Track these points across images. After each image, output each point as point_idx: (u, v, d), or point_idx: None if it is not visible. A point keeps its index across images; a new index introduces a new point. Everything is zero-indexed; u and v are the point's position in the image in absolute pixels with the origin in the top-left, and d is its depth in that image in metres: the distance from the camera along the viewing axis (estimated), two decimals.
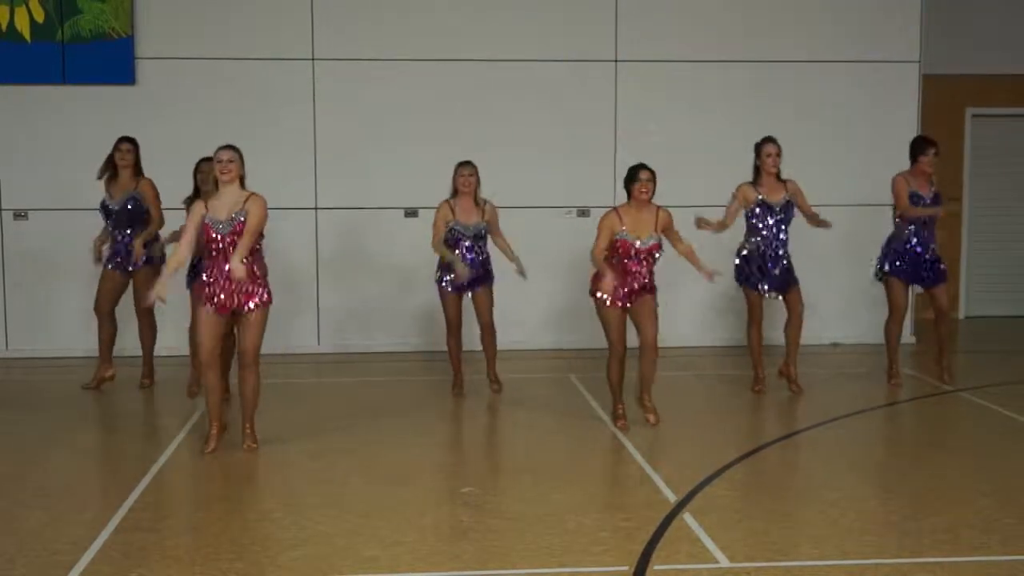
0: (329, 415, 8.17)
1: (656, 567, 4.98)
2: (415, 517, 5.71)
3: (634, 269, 7.33)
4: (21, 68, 10.23)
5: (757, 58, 10.88)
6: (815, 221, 8.54)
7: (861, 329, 11.09)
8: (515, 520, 5.65)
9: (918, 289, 9.42)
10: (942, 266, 8.78)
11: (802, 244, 8.89)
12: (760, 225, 8.41)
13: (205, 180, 7.80)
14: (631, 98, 10.79)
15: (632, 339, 7.49)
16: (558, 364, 10.16)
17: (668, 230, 7.44)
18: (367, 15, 10.57)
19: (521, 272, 8.40)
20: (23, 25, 10.20)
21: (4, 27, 10.18)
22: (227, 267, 6.72)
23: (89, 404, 8.59)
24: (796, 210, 8.45)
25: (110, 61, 10.29)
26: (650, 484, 6.30)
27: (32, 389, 9.33)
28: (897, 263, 8.71)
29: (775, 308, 9.66)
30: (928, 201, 8.63)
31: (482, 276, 8.50)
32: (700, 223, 8.27)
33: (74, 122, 10.34)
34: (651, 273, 7.43)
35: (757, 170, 8.44)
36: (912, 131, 10.20)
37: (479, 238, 8.45)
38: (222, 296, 6.75)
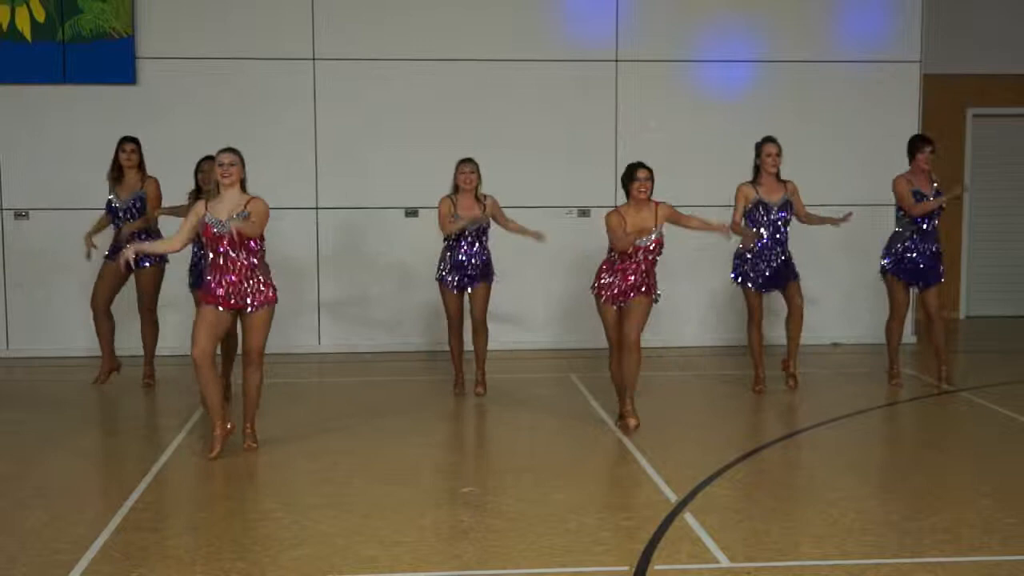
0: (330, 415, 8.17)
1: (657, 567, 4.98)
2: (415, 517, 5.71)
3: (632, 269, 7.30)
4: (22, 68, 10.23)
5: (758, 58, 10.89)
6: (815, 220, 8.54)
7: (861, 329, 11.10)
8: (516, 520, 5.66)
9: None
10: (941, 267, 8.77)
11: (803, 244, 8.89)
12: (758, 225, 8.42)
13: (207, 179, 7.81)
14: (631, 98, 10.79)
15: None
16: (559, 364, 10.16)
17: (674, 219, 7.41)
18: (368, 15, 10.57)
19: (540, 237, 8.43)
20: (24, 25, 10.21)
21: (5, 27, 10.19)
22: (231, 267, 6.72)
23: (90, 404, 8.60)
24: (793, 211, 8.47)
25: (111, 61, 10.29)
26: (651, 484, 6.31)
27: (33, 389, 9.33)
28: (898, 263, 8.71)
29: (775, 308, 9.67)
30: (931, 198, 8.62)
31: (483, 273, 8.49)
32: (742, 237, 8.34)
33: (75, 122, 10.34)
34: (650, 273, 7.39)
35: (757, 169, 8.45)
36: (913, 131, 10.19)
37: (481, 234, 8.45)
38: (224, 292, 6.74)
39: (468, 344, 8.78)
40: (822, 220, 8.62)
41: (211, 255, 6.79)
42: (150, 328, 9.01)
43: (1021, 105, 12.71)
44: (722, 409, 8.46)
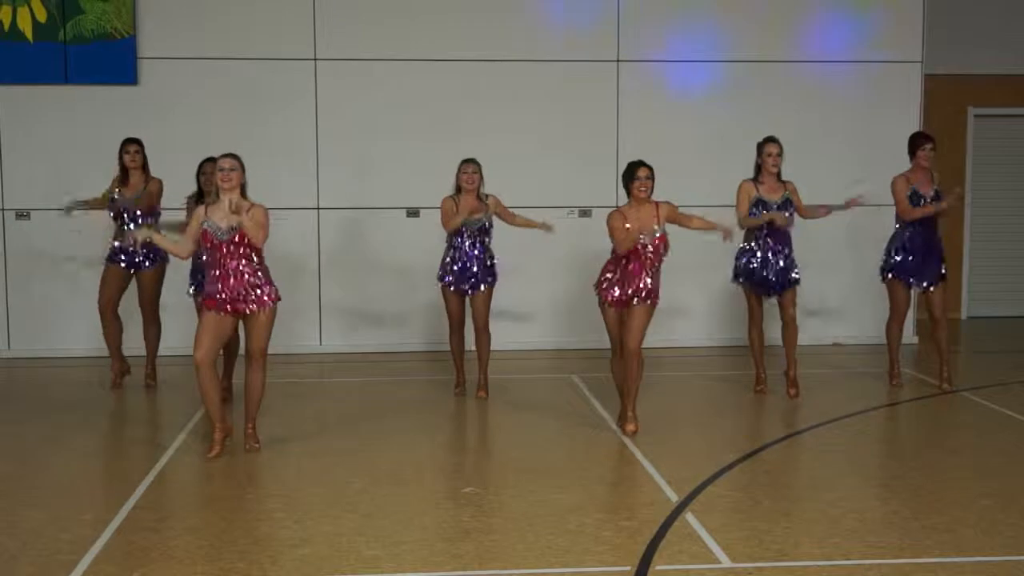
0: (331, 415, 8.18)
1: (658, 567, 4.99)
2: (417, 517, 5.72)
3: (637, 270, 7.29)
4: (23, 68, 10.24)
5: (759, 58, 10.88)
6: (819, 212, 8.53)
7: (862, 329, 11.10)
8: (517, 520, 5.66)
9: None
10: (943, 269, 8.76)
11: (803, 244, 8.89)
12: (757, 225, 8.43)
13: (208, 181, 7.81)
14: (633, 98, 10.79)
15: None
16: (560, 364, 10.17)
17: (675, 219, 7.39)
18: (369, 15, 10.57)
19: (548, 227, 8.48)
20: (25, 25, 10.21)
21: (6, 27, 10.20)
22: (230, 272, 6.73)
23: (91, 404, 8.60)
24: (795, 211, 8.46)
25: (112, 61, 10.30)
26: (652, 484, 6.31)
27: (34, 389, 9.34)
28: (898, 264, 8.71)
29: (776, 308, 9.65)
30: (929, 199, 8.64)
31: (484, 276, 8.49)
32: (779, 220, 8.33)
33: (76, 122, 10.35)
34: (655, 277, 7.37)
35: (758, 168, 8.46)
36: (914, 131, 10.17)
37: (482, 233, 8.45)
38: (224, 296, 6.75)
39: (469, 344, 8.79)
40: (825, 210, 8.57)
41: (211, 260, 6.79)
42: (152, 328, 9.02)
43: (1022, 105, 12.70)
44: (723, 409, 8.46)
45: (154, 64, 10.43)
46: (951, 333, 11.72)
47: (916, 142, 8.72)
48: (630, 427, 7.42)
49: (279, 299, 6.93)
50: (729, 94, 10.86)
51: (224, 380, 7.95)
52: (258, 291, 6.80)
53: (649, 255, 7.26)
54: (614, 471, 6.79)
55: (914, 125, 10.72)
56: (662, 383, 9.08)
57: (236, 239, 6.71)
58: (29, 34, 10.22)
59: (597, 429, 7.62)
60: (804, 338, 10.66)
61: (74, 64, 10.28)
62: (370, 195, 10.67)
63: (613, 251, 7.42)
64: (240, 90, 10.50)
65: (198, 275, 8.03)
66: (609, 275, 7.39)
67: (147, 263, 8.80)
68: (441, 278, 8.53)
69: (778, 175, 8.44)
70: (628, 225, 7.24)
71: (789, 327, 8.60)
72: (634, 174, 7.29)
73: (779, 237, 8.44)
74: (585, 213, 10.66)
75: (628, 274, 7.29)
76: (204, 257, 6.96)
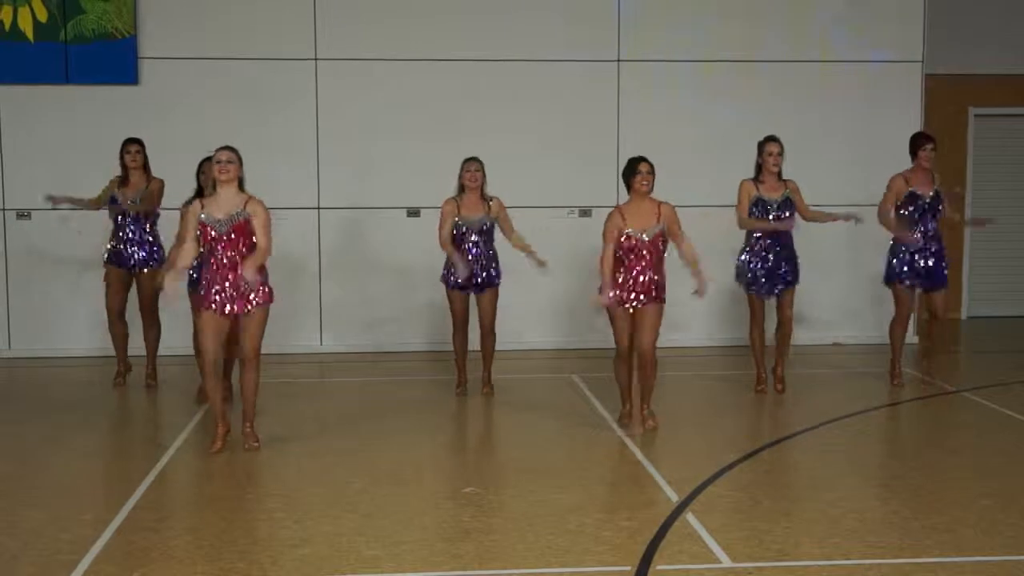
0: (331, 415, 8.18)
1: (658, 567, 4.99)
2: (417, 517, 5.72)
3: (640, 266, 7.29)
4: (24, 68, 10.24)
5: (759, 58, 10.88)
6: (820, 217, 8.54)
7: (862, 329, 11.11)
8: (517, 520, 5.66)
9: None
10: (944, 271, 8.76)
11: (803, 244, 8.87)
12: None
13: (208, 181, 7.81)
14: (633, 98, 10.79)
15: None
16: (560, 364, 10.17)
17: (672, 226, 7.38)
18: (369, 15, 10.57)
19: (539, 263, 8.35)
20: (26, 25, 10.22)
21: (7, 27, 10.20)
22: (230, 271, 6.74)
23: (92, 404, 8.61)
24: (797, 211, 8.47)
25: (113, 61, 10.30)
26: (652, 484, 6.31)
27: (35, 389, 9.35)
28: (901, 268, 8.70)
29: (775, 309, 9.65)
30: (927, 200, 8.64)
31: (489, 276, 8.48)
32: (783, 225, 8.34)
33: (77, 122, 10.36)
34: (658, 271, 7.37)
35: (759, 168, 8.46)
36: (915, 131, 10.17)
37: (485, 233, 8.45)
38: (220, 297, 6.75)
39: (471, 344, 8.77)
40: (826, 217, 8.60)
41: (208, 255, 6.78)
42: (152, 329, 9.03)
43: (1023, 105, 12.70)
44: (723, 409, 8.46)
45: (155, 64, 10.43)
46: (951, 333, 11.79)
47: (917, 142, 8.73)
48: (649, 423, 7.48)
49: (272, 300, 6.92)
50: (729, 94, 10.86)
51: (224, 379, 7.95)
52: (258, 288, 6.79)
53: (647, 250, 7.26)
54: (614, 471, 6.79)
55: (914, 125, 10.71)
56: (662, 383, 9.04)
57: (234, 231, 6.71)
58: (30, 34, 10.23)
59: (597, 429, 7.63)
60: (804, 338, 10.73)
61: (75, 64, 10.29)
62: (370, 195, 10.67)
63: (615, 251, 7.41)
64: (241, 90, 10.50)
65: (196, 272, 8.00)
66: (614, 276, 7.36)
67: (146, 264, 8.81)
68: (445, 278, 8.53)
69: (779, 174, 8.44)
70: (628, 226, 7.24)
71: (785, 327, 8.63)
72: (635, 169, 7.30)
73: (780, 238, 8.44)
74: (585, 213, 10.66)
75: (632, 268, 7.29)
76: (201, 251, 6.94)
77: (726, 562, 5.05)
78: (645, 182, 7.27)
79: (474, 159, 8.45)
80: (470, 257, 8.39)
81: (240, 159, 6.82)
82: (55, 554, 5.18)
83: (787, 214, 8.41)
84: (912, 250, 8.62)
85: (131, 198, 8.73)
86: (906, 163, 8.83)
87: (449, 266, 8.48)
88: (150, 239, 8.85)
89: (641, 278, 7.28)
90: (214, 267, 6.77)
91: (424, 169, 10.36)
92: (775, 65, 10.91)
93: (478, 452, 7.62)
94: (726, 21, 10.86)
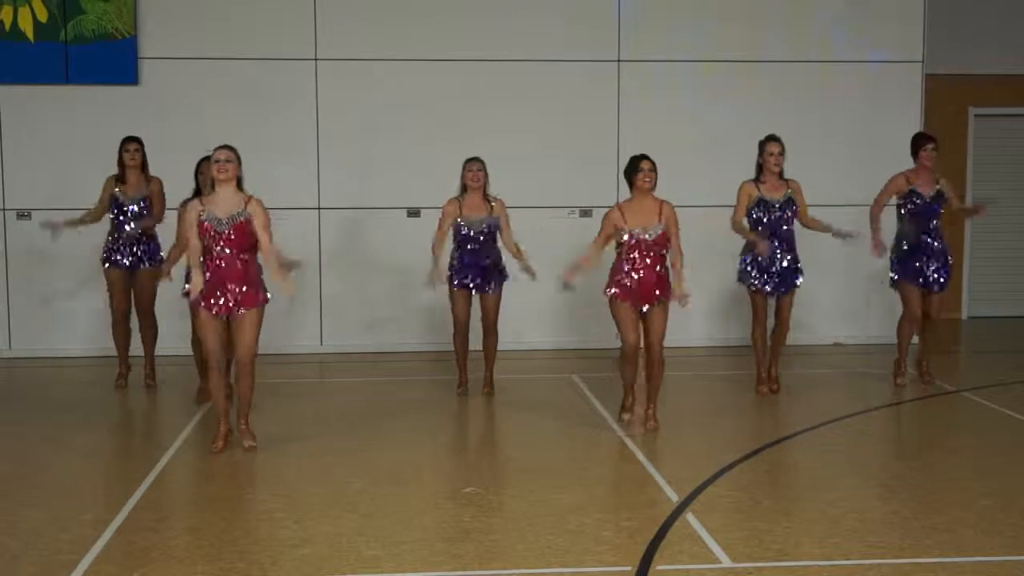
0: (331, 415, 8.18)
1: (658, 567, 4.99)
2: (417, 517, 5.72)
3: (646, 262, 7.28)
4: (24, 68, 10.24)
5: (760, 58, 10.88)
6: (817, 226, 8.53)
7: (862, 329, 11.11)
8: (517, 520, 5.66)
9: None
10: (947, 271, 8.75)
11: (804, 244, 8.87)
12: (760, 224, 8.43)
13: (206, 180, 7.81)
14: (633, 98, 10.79)
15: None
16: (560, 364, 10.17)
17: (670, 226, 7.37)
18: (370, 15, 10.57)
19: (528, 271, 8.34)
20: (26, 25, 10.22)
21: (7, 27, 10.20)
22: (228, 271, 6.74)
23: (91, 404, 8.60)
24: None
25: (113, 61, 10.30)
26: (652, 484, 6.31)
27: (35, 389, 9.34)
28: (904, 267, 8.71)
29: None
30: (928, 200, 8.65)
31: (495, 275, 8.48)
32: (763, 248, 8.29)
33: (77, 122, 10.35)
34: (665, 271, 7.38)
35: (760, 168, 8.46)
36: (915, 131, 10.16)
37: (488, 234, 8.45)
38: (218, 294, 6.74)
39: (473, 344, 8.77)
40: (823, 227, 8.59)
41: (206, 255, 6.78)
42: (149, 329, 9.02)
43: (1023, 105, 12.70)
44: (724, 409, 8.46)
45: (155, 64, 10.43)
46: (952, 333, 11.79)
47: (918, 142, 8.75)
48: (650, 423, 7.49)
49: (268, 300, 6.92)
50: (729, 94, 10.86)
51: (226, 377, 7.95)
52: (249, 289, 6.78)
53: (652, 250, 7.26)
54: (614, 471, 6.79)
55: (915, 125, 10.72)
56: (663, 383, 9.07)
57: (235, 231, 6.71)
58: (30, 34, 10.23)
59: (597, 429, 7.63)
60: (804, 338, 10.73)
61: (75, 64, 10.29)
62: (370, 195, 10.67)
63: (616, 254, 7.41)
64: (241, 90, 10.50)
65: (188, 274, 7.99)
66: (620, 278, 7.35)
67: (144, 263, 8.81)
68: (449, 278, 8.52)
69: (780, 174, 8.44)
70: (627, 224, 7.24)
71: (782, 328, 8.65)
72: (637, 166, 7.31)
73: (783, 239, 8.44)
74: (586, 213, 10.65)
75: (637, 269, 7.28)
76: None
77: (726, 562, 5.05)
78: (648, 179, 7.29)
79: (476, 159, 8.45)
80: (474, 258, 8.39)
81: (239, 158, 6.82)
82: (55, 554, 5.19)
83: (789, 214, 8.41)
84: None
85: (132, 195, 8.72)
86: (906, 163, 8.84)
87: (452, 267, 8.47)
88: (148, 239, 8.85)
89: (646, 275, 7.28)
90: (212, 266, 6.76)
91: (424, 169, 10.37)
92: (775, 65, 10.91)
93: (478, 452, 7.62)
94: (726, 21, 10.86)
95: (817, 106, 10.91)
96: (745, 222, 8.42)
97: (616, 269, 7.41)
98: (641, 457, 6.87)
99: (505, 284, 8.67)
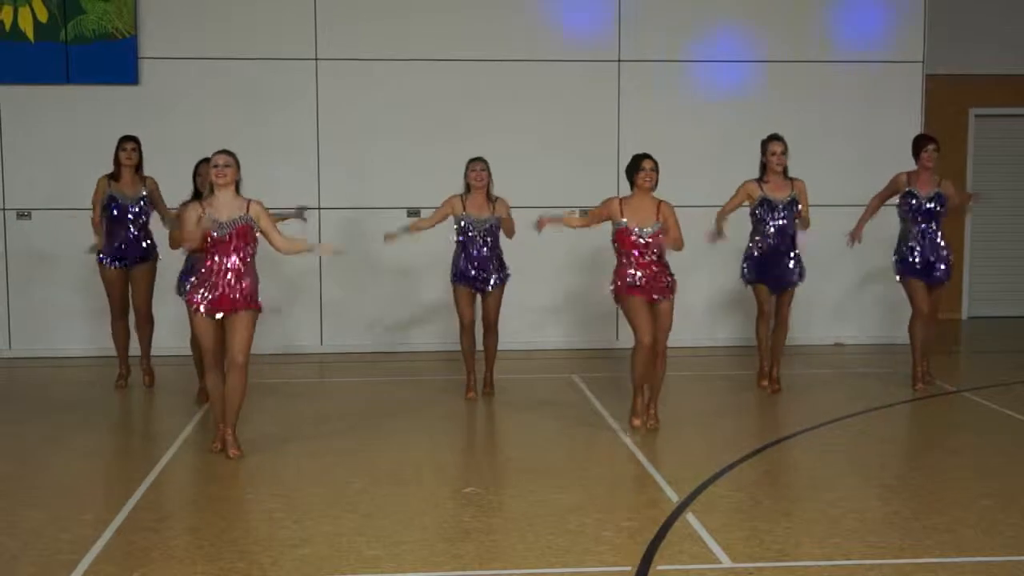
0: (331, 415, 8.17)
1: (659, 567, 4.99)
2: (417, 517, 5.72)
3: (648, 258, 7.29)
4: (24, 68, 10.24)
5: (760, 58, 10.88)
6: (803, 225, 8.54)
7: (863, 329, 11.11)
8: (517, 520, 5.66)
9: None
10: (947, 268, 8.74)
11: (805, 244, 8.88)
12: (764, 223, 8.44)
13: (204, 182, 7.81)
14: (633, 98, 10.79)
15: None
16: (560, 364, 10.17)
17: (668, 223, 7.37)
18: (370, 15, 10.57)
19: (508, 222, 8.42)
20: (27, 25, 10.22)
21: (8, 27, 10.20)
22: (229, 268, 6.74)
23: (91, 404, 8.60)
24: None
25: (114, 61, 10.30)
26: (652, 484, 6.31)
27: (34, 389, 9.34)
28: (907, 263, 8.72)
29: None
30: (924, 201, 8.65)
31: (497, 274, 8.47)
32: (711, 238, 8.38)
33: (77, 122, 10.35)
34: (665, 265, 7.39)
35: (763, 167, 8.47)
36: (915, 131, 10.17)
37: (490, 233, 8.45)
38: (216, 293, 6.73)
39: (477, 344, 8.78)
40: (805, 226, 8.60)
41: (207, 256, 6.77)
42: (146, 326, 9.01)
43: (1023, 105, 12.70)
44: (724, 409, 8.46)
45: (155, 64, 10.43)
46: (952, 333, 11.79)
47: (920, 143, 8.75)
48: (651, 423, 7.49)
49: (260, 309, 6.90)
50: (729, 94, 10.86)
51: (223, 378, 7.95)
52: (243, 292, 6.77)
53: (650, 248, 7.26)
54: (614, 471, 6.78)
55: (915, 125, 10.72)
56: (664, 383, 9.08)
57: (236, 234, 6.71)
58: (30, 34, 10.23)
59: (597, 429, 7.62)
60: (805, 338, 10.73)
61: (75, 64, 10.29)
62: (370, 195, 10.67)
63: (617, 256, 7.40)
64: (241, 90, 10.50)
65: (190, 277, 7.96)
66: (628, 277, 7.33)
67: (140, 260, 8.80)
68: (453, 278, 8.52)
69: (784, 173, 8.45)
70: (624, 218, 7.25)
71: (781, 327, 8.65)
72: (639, 165, 7.33)
73: (785, 239, 8.45)
74: (585, 213, 10.61)
75: (638, 265, 7.28)
76: (198, 255, 6.93)
77: (726, 562, 5.04)
78: (648, 179, 7.30)
79: (479, 159, 8.45)
80: (476, 256, 8.39)
81: (237, 162, 6.82)
82: (55, 554, 5.18)
83: (786, 213, 8.41)
84: None
85: (131, 195, 8.71)
86: (907, 163, 8.84)
87: (456, 264, 8.46)
88: (145, 237, 8.84)
89: (655, 277, 7.27)
90: (210, 269, 6.75)
91: (424, 169, 10.37)
92: (775, 65, 10.91)
93: (478, 452, 7.62)
94: (726, 21, 10.86)
95: (817, 106, 10.91)
96: (725, 220, 8.44)
97: (619, 272, 7.39)
98: (641, 457, 6.87)
99: (506, 284, 8.66)
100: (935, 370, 9.14)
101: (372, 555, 5.17)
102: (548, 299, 10.81)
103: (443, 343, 10.46)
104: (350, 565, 5.05)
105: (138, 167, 8.77)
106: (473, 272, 8.42)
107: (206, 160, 7.45)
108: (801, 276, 8.59)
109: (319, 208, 10.65)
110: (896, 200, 8.86)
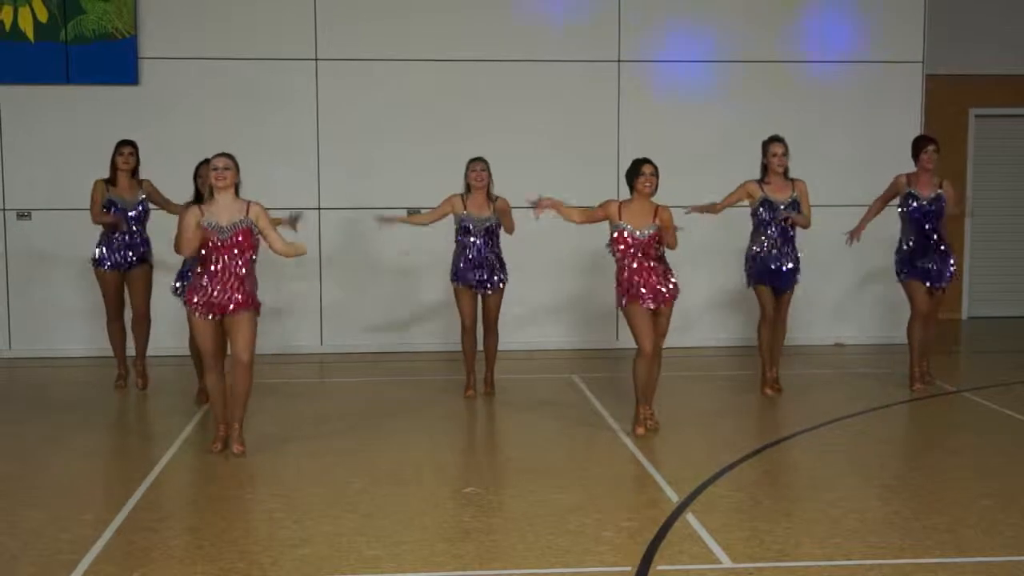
0: (332, 415, 8.17)
1: (659, 567, 4.99)
2: (417, 517, 5.72)
3: (648, 263, 7.28)
4: (24, 68, 10.24)
5: (760, 58, 10.88)
6: (801, 220, 8.53)
7: (863, 329, 11.11)
8: (517, 520, 5.66)
9: None
10: (949, 270, 8.75)
11: (805, 244, 8.88)
12: (765, 224, 8.44)
13: (205, 184, 7.80)
14: (633, 98, 10.79)
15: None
16: (561, 364, 10.17)
17: (664, 228, 7.37)
18: (370, 15, 10.57)
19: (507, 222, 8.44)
20: (27, 25, 10.22)
21: (8, 27, 10.20)
22: (230, 271, 6.74)
23: (91, 404, 8.61)
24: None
25: (113, 61, 10.30)
26: (652, 484, 6.31)
27: (34, 389, 9.34)
28: (906, 264, 8.72)
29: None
30: (926, 202, 8.65)
31: (498, 274, 8.47)
32: (691, 209, 8.41)
33: (77, 122, 10.35)
34: (666, 269, 7.38)
35: (765, 168, 8.47)
36: (915, 132, 10.18)
37: (491, 233, 8.45)
38: (215, 293, 6.72)
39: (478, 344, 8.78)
40: (796, 222, 8.59)
41: (207, 259, 6.76)
42: (142, 326, 8.99)
43: (1023, 105, 12.70)
44: (724, 409, 8.46)
45: (155, 64, 10.43)
46: (952, 333, 11.79)
47: (919, 144, 8.74)
48: (650, 423, 7.49)
49: (258, 310, 6.90)
50: (729, 94, 10.86)
51: (223, 379, 7.95)
52: (242, 293, 6.77)
53: (647, 250, 7.25)
54: (614, 471, 6.78)
55: (915, 125, 10.72)
56: (663, 383, 9.04)
57: (237, 236, 6.71)
58: (30, 34, 10.23)
59: (597, 429, 7.62)
60: (805, 338, 10.74)
61: (75, 64, 10.29)
62: (370, 195, 10.66)
63: (616, 263, 7.38)
64: (241, 90, 10.50)
65: (186, 278, 7.95)
66: (634, 285, 7.32)
67: (137, 263, 8.79)
68: (453, 278, 8.52)
69: (785, 174, 8.44)
70: (623, 220, 7.23)
71: (780, 327, 8.64)
72: (639, 170, 7.31)
73: (787, 239, 8.45)
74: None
75: (644, 270, 7.26)
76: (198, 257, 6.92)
77: (726, 562, 5.04)
78: (648, 184, 7.28)
79: (480, 159, 8.45)
80: (477, 256, 8.39)
81: (237, 165, 6.81)
82: (55, 554, 5.18)
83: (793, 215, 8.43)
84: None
85: (130, 199, 8.70)
86: (907, 164, 8.84)
87: (456, 266, 8.46)
88: (142, 240, 8.83)
89: (656, 284, 7.26)
90: (211, 272, 6.75)
91: (424, 169, 10.37)
92: (775, 65, 10.91)
93: (478, 452, 7.61)
94: (726, 21, 10.86)
95: (817, 106, 10.91)
96: (716, 209, 8.49)
97: (620, 279, 7.36)
98: (641, 457, 6.87)
99: (505, 285, 8.66)
100: (935, 370, 9.14)
101: (372, 555, 5.17)
102: (549, 299, 10.81)
103: (443, 343, 10.46)
104: (350, 565, 5.05)
105: (134, 171, 8.77)
106: (473, 272, 8.42)
107: (206, 161, 7.44)
108: (796, 277, 8.59)
109: (319, 208, 10.65)
110: (897, 201, 8.86)
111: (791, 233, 8.50)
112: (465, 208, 8.39)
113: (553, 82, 10.74)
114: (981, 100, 12.67)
